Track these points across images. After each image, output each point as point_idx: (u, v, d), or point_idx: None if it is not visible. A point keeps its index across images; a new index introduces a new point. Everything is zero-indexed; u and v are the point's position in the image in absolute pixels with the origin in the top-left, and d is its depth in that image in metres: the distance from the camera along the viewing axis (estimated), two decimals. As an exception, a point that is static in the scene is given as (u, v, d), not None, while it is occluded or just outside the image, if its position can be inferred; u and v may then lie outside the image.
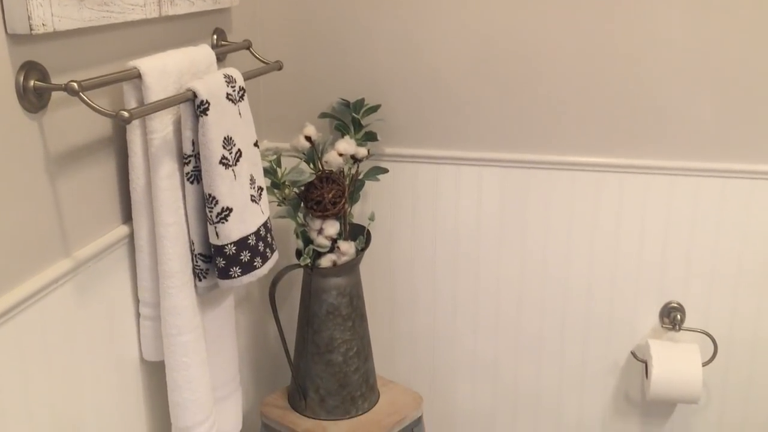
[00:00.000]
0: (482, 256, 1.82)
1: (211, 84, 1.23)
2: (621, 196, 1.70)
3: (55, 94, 1.05)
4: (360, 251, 1.67)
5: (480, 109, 1.73)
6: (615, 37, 1.62)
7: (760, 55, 1.57)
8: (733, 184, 1.64)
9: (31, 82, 1.00)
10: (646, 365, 1.75)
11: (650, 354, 1.70)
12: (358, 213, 1.82)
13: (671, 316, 1.74)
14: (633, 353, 1.79)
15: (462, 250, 1.82)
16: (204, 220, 1.28)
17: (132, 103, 1.17)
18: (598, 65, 1.64)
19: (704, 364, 1.72)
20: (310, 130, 1.62)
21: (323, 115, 1.76)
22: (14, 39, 0.96)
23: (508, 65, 1.69)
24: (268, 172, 1.57)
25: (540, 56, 1.66)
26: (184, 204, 1.26)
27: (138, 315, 1.31)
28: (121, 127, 1.23)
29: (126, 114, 1.01)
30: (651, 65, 1.62)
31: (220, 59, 1.51)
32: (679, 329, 1.73)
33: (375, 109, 1.73)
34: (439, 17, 1.68)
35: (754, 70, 1.58)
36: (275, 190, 1.60)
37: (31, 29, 0.95)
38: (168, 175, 1.21)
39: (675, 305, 1.74)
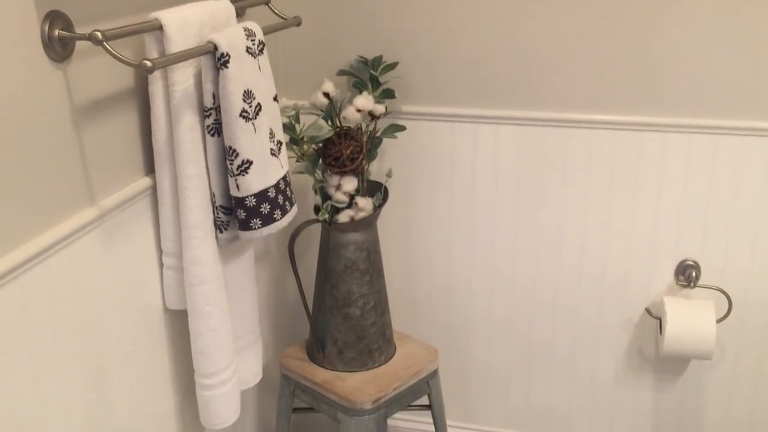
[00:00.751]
0: (499, 215, 1.83)
1: (232, 37, 1.24)
2: (638, 153, 1.70)
3: (79, 44, 1.07)
4: (377, 207, 1.69)
5: (496, 66, 1.73)
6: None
7: (782, 10, 1.55)
8: (752, 141, 1.64)
9: (56, 32, 1.02)
10: (660, 322, 1.77)
11: (665, 311, 1.72)
12: (375, 170, 1.83)
13: (686, 274, 1.75)
14: (647, 310, 1.80)
15: (478, 208, 1.83)
16: (225, 173, 1.31)
17: (154, 54, 1.19)
18: (616, 19, 1.63)
19: (718, 321, 1.73)
20: (329, 86, 1.63)
21: (341, 72, 1.77)
22: (39, -12, 0.98)
23: (523, 22, 1.68)
24: (287, 128, 1.58)
25: (557, 12, 1.66)
26: (205, 156, 1.28)
27: (161, 265, 1.35)
28: (143, 78, 1.25)
29: (149, 63, 1.02)
30: (669, 18, 1.61)
31: (239, 14, 1.52)
32: (694, 286, 1.74)
33: (393, 66, 1.74)
34: (457, -27, 1.68)
35: (776, 26, 1.56)
36: (294, 146, 1.62)
37: (55, -22, 0.96)
38: (189, 127, 1.24)
39: (691, 263, 1.75)
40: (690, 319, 1.69)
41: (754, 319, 1.76)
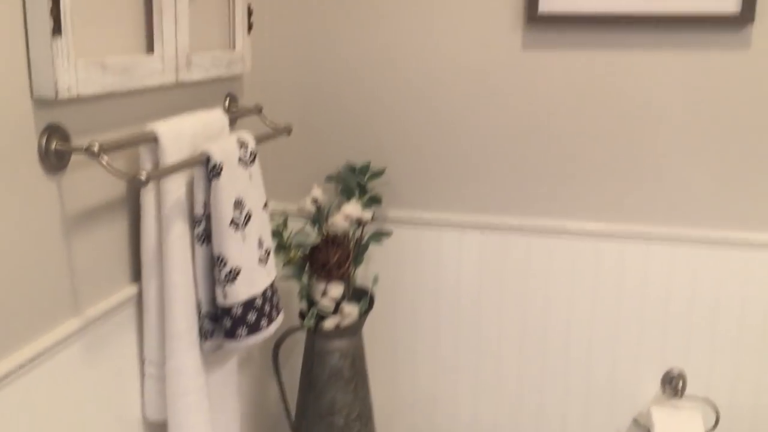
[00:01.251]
0: (483, 322, 1.82)
1: (225, 148, 1.26)
2: (622, 262, 1.73)
3: (75, 156, 1.08)
4: (363, 314, 1.68)
5: (481, 173, 1.77)
6: (613, 101, 1.67)
7: (757, 122, 1.62)
8: (731, 252, 1.67)
9: (53, 145, 1.03)
10: (648, 433, 1.74)
11: (652, 422, 1.69)
12: (361, 275, 1.83)
13: (673, 384, 1.74)
14: (636, 420, 1.78)
15: (463, 314, 1.83)
16: (212, 281, 1.30)
17: (148, 165, 1.20)
18: (600, 130, 1.69)
19: (707, 433, 1.71)
20: (317, 193, 1.65)
21: (329, 179, 1.79)
22: (39, 103, 1.00)
23: (509, 131, 1.73)
24: (275, 233, 1.59)
25: (542, 123, 1.71)
26: (193, 265, 1.28)
27: (143, 374, 1.31)
28: (135, 187, 1.26)
29: (143, 177, 1.03)
30: (647, 131, 1.67)
31: (232, 122, 1.55)
32: (681, 396, 1.73)
33: (380, 174, 1.77)
34: (442, 86, 1.74)
35: (751, 139, 1.63)
36: (281, 252, 1.62)
37: (56, 94, 0.98)
38: (179, 235, 1.24)
39: (677, 372, 1.74)
40: (678, 431, 1.67)
41: (741, 429, 1.74)
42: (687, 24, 1.60)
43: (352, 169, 1.77)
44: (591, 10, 1.62)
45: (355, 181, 1.75)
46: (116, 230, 1.23)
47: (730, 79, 1.61)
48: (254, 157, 1.36)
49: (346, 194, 1.75)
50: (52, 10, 0.96)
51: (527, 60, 1.69)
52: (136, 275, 1.29)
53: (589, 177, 1.72)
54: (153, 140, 1.18)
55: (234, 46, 1.57)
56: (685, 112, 1.64)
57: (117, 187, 1.22)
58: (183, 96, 1.40)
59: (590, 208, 1.73)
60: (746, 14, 1.55)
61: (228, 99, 1.58)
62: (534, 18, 1.64)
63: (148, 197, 1.23)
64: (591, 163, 1.71)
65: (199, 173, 1.24)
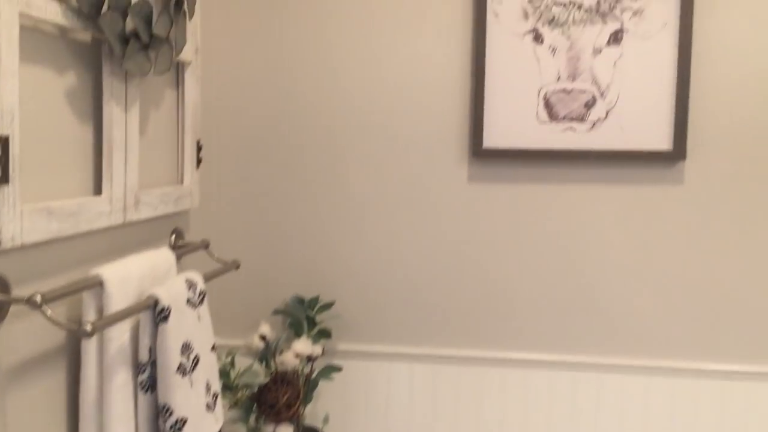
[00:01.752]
0: (438, 457, 1.76)
1: (173, 290, 1.22)
2: (575, 392, 1.71)
3: (14, 306, 1.02)
4: (313, 456, 1.60)
5: (431, 305, 1.76)
6: (555, 234, 1.71)
7: (692, 254, 1.67)
8: (681, 381, 1.68)
9: (-8, 296, 0.97)
10: None
11: None
12: (310, 413, 1.76)
13: None
14: None
15: (417, 450, 1.77)
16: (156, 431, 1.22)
17: (91, 312, 1.14)
18: (545, 262, 1.72)
19: None
20: (265, 329, 1.61)
21: (277, 312, 1.75)
22: (-21, 253, 0.95)
23: (459, 263, 1.74)
24: (222, 373, 1.52)
25: (489, 256, 1.73)
26: (136, 416, 1.20)
27: None
28: (77, 337, 1.19)
29: (88, 329, 0.98)
30: (588, 263, 1.70)
31: (179, 258, 1.51)
32: None
33: (329, 306, 1.74)
34: (391, 218, 1.75)
35: (688, 270, 1.68)
36: (228, 393, 1.55)
37: (0, 244, 0.94)
38: (122, 384, 1.16)
39: (636, 507, 1.70)
40: None
41: None
42: (623, 160, 1.67)
43: (300, 302, 1.74)
44: (532, 146, 1.69)
45: (304, 315, 1.72)
46: (53, 381, 1.15)
47: (666, 213, 1.67)
48: (203, 298, 1.32)
49: (295, 328, 1.71)
50: (0, 158, 0.93)
51: (473, 192, 1.73)
52: (74, 429, 1.20)
53: (538, 308, 1.73)
54: (98, 285, 1.13)
55: (182, 181, 1.56)
56: (624, 245, 1.69)
57: (56, 336, 1.15)
58: (130, 235, 1.36)
59: (541, 338, 1.73)
60: (678, 151, 1.64)
61: (174, 234, 1.55)
62: (479, 153, 1.70)
63: (89, 345, 1.16)
64: (538, 294, 1.72)
65: (145, 318, 1.19)
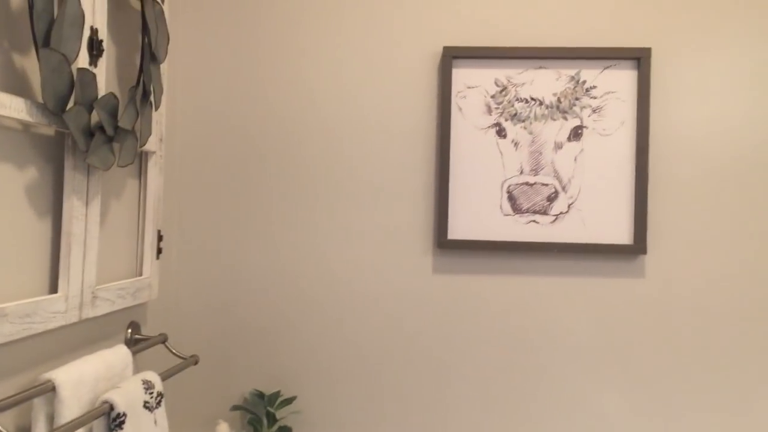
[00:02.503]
0: None
1: (129, 393, 1.16)
2: (541, 490, 1.67)
3: (-43, 418, 0.95)
4: None
5: (397, 399, 1.71)
6: (520, 324, 1.70)
7: (654, 345, 1.68)
8: (647, 477, 1.66)
9: (-65, 409, 0.90)
10: None
11: None
12: None
13: None
14: None
15: None
16: None
17: (41, 420, 1.07)
18: (511, 354, 1.70)
19: None
20: (223, 428, 1.54)
21: (235, 408, 1.68)
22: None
23: (423, 356, 1.71)
24: (176, 477, 1.44)
25: (453, 348, 1.71)
26: None
27: None
28: (22, 443, 1.12)
29: (39, 442, 0.92)
30: (557, 358, 1.69)
31: (135, 353, 1.45)
32: None
33: (290, 401, 1.68)
34: (353, 311, 1.72)
35: (654, 365, 1.68)
36: (181, 497, 1.46)
37: (-53, 354, 0.88)
38: (70, 497, 1.09)
39: None
40: None
41: None
42: (585, 253, 1.69)
43: (260, 397, 1.68)
44: (496, 238, 1.70)
45: (264, 410, 1.65)
46: (-5, 495, 1.07)
47: (628, 306, 1.68)
48: (160, 400, 1.26)
49: (254, 425, 1.64)
50: (-48, 262, 0.89)
51: (437, 283, 1.72)
52: None
53: (501, 400, 1.70)
54: (50, 390, 1.07)
55: (141, 273, 1.51)
56: (587, 337, 1.69)
57: (2, 445, 1.08)
58: (85, 332, 1.30)
59: (505, 430, 1.70)
60: (639, 246, 1.66)
61: (131, 328, 1.49)
62: (444, 244, 1.70)
63: (37, 455, 1.09)
64: (503, 385, 1.70)
65: (99, 425, 1.12)
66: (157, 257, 1.56)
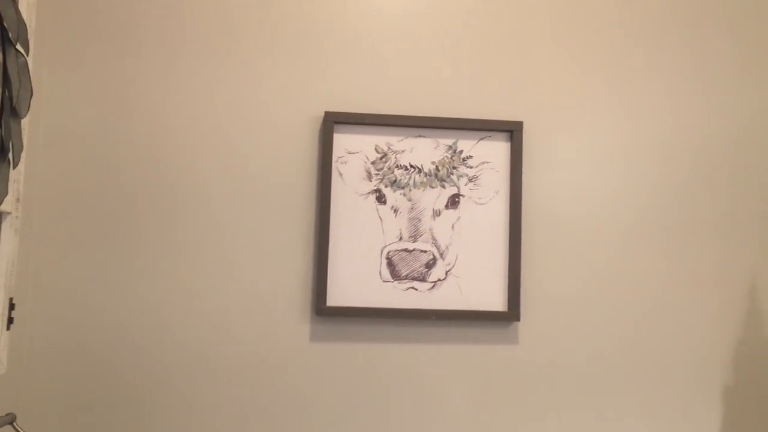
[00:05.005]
0: None
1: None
2: None
3: None
4: None
5: (271, 475, 1.64)
6: (402, 398, 1.68)
7: (528, 410, 1.71)
8: None
9: None
10: None
11: None
12: None
13: None
14: None
15: None
16: None
17: None
18: (366, 421, 1.67)
19: None
20: None
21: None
22: None
23: (305, 429, 1.65)
24: None
25: (335, 421, 1.66)
26: None
27: None
28: None
29: None
30: (435, 426, 1.68)
31: (-24, 440, 1.30)
32: None
33: (155, 481, 1.56)
34: (225, 379, 1.64)
35: (523, 429, 1.71)
36: None
37: None
38: None
39: None
40: None
41: None
42: (462, 319, 1.71)
43: (121, 479, 1.55)
44: (375, 305, 1.68)
45: (125, 494, 1.52)
46: None
47: (502, 372, 1.71)
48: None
49: None
50: None
51: (315, 352, 1.67)
52: None
53: (382, 472, 1.67)
54: None
55: (-12, 346, 1.37)
56: (463, 404, 1.70)
57: None
58: None
59: (384, 506, 1.66)
60: (513, 312, 1.70)
61: (-26, 409, 1.34)
62: (322, 311, 1.66)
63: None
64: (383, 457, 1.67)
65: None
66: (8, 327, 1.42)
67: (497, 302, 1.72)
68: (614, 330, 1.74)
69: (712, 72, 1.82)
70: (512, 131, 1.75)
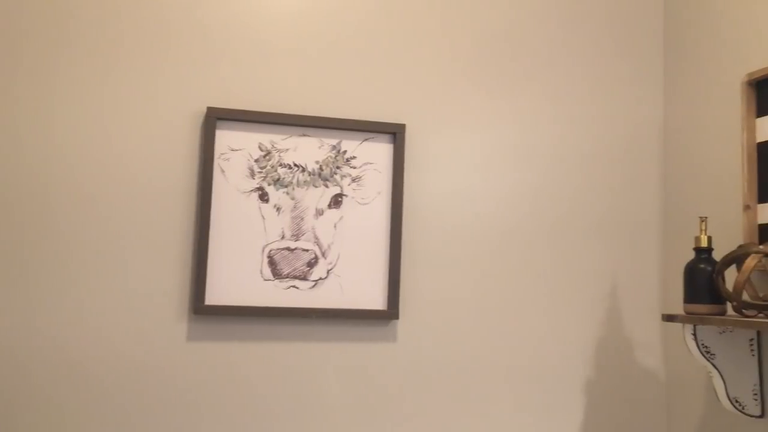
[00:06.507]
0: None
1: None
2: None
3: None
4: None
5: (144, 479, 1.59)
6: (280, 390, 1.68)
7: (406, 409, 1.75)
8: None
9: None
10: None
11: None
12: None
13: None
14: None
15: None
16: None
17: None
18: (273, 420, 1.67)
19: None
20: None
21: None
22: None
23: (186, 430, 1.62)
24: None
25: (215, 420, 1.64)
26: None
27: None
28: None
29: None
30: (317, 425, 1.69)
31: None
32: None
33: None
34: (98, 382, 1.58)
35: (406, 428, 1.75)
36: None
37: None
38: None
39: None
40: None
41: None
42: (343, 318, 1.73)
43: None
44: (256, 303, 1.67)
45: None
46: None
47: (381, 370, 1.75)
48: None
49: None
50: None
51: (192, 352, 1.64)
52: None
53: (259, 472, 1.66)
54: None
55: None
56: (344, 402, 1.72)
57: None
58: None
59: (261, 505, 1.65)
60: (392, 311, 1.74)
61: None
62: (200, 309, 1.63)
63: None
64: (260, 456, 1.66)
65: None
66: None
67: (377, 301, 1.75)
68: (488, 328, 1.82)
69: (592, 82, 1.93)
70: (395, 133, 1.79)
